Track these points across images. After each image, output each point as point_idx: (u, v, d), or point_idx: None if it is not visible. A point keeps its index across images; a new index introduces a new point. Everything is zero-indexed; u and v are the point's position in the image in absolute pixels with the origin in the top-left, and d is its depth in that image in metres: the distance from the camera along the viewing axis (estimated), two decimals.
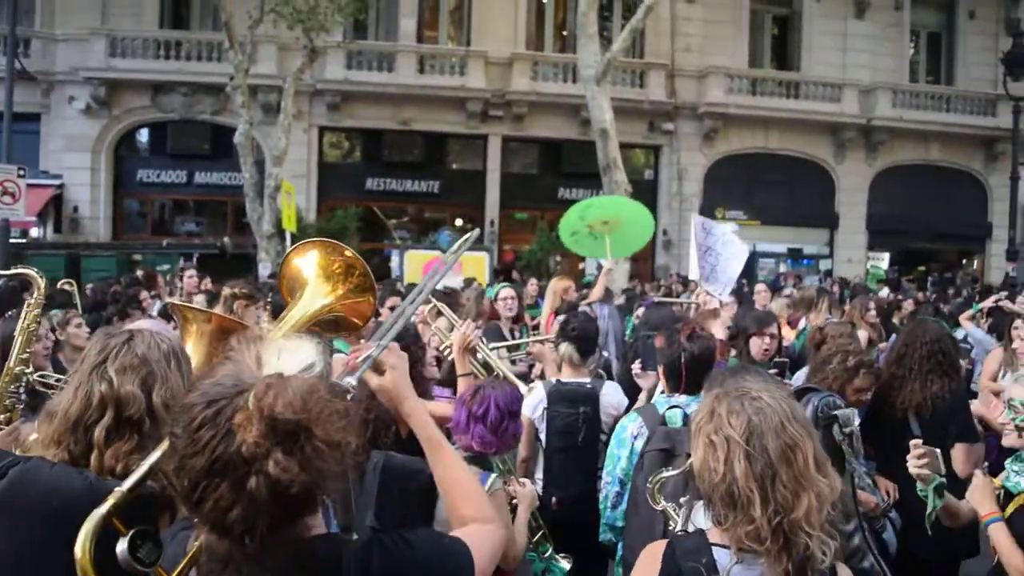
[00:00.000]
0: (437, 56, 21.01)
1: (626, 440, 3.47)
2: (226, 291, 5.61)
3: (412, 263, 15.02)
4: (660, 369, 3.62)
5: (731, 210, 21.24)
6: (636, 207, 8.60)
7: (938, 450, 2.87)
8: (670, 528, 2.60)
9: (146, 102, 20.23)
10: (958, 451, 3.93)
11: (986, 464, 3.69)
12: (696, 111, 21.98)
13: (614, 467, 3.50)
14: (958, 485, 3.42)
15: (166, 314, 6.09)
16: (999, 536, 2.74)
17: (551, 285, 7.57)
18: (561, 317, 6.18)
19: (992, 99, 22.81)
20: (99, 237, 19.58)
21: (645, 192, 20.15)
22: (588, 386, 4.20)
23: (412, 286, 9.99)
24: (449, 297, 6.10)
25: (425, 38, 21.85)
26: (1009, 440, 3.02)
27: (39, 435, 1.97)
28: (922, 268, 24.05)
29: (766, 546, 1.67)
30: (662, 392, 3.64)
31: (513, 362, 5.39)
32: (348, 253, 1.99)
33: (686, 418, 3.21)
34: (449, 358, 4.09)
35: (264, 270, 15.25)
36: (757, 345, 4.80)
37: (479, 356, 3.87)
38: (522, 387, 3.37)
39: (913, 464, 2.84)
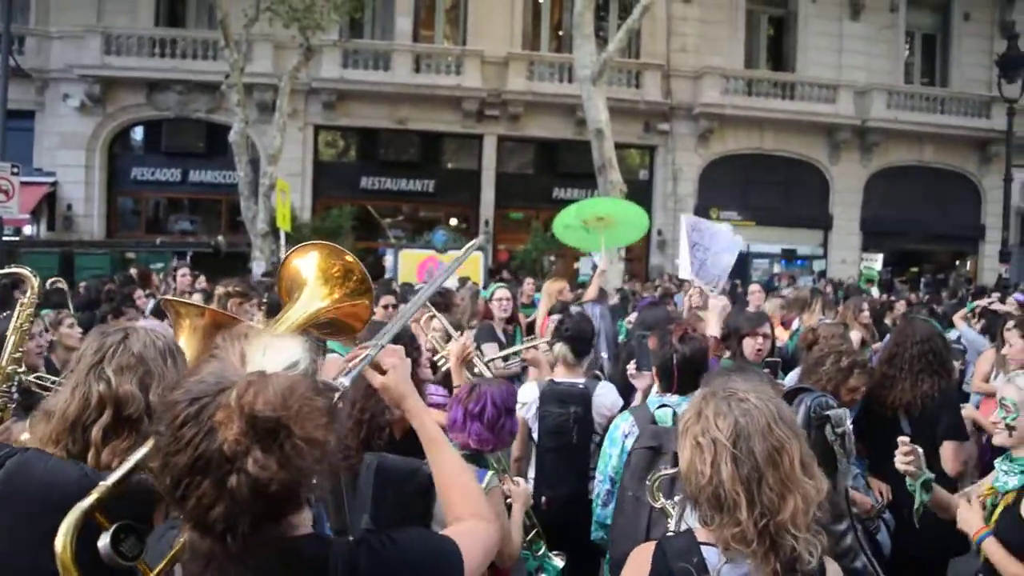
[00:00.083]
0: (433, 55, 20.99)
1: (617, 439, 3.49)
2: (219, 290, 5.61)
3: (407, 262, 14.99)
4: (654, 369, 3.64)
5: (726, 210, 21.27)
6: (632, 207, 8.64)
7: (920, 449, 2.91)
8: (668, 524, 2.61)
9: (141, 100, 20.18)
10: (946, 449, 3.95)
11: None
12: (691, 111, 22.00)
13: (606, 466, 3.52)
14: (947, 483, 3.44)
15: (159, 312, 6.08)
16: (992, 549, 2.78)
17: (546, 287, 7.57)
18: (555, 316, 6.21)
19: (986, 101, 22.91)
20: (93, 235, 19.54)
21: (640, 192, 20.17)
22: (581, 386, 4.20)
23: (407, 285, 10.04)
24: (444, 297, 6.08)
25: (421, 37, 21.85)
26: (999, 439, 3.05)
27: (33, 434, 1.97)
28: (915, 269, 24.15)
29: (752, 548, 1.68)
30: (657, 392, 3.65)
31: (505, 358, 5.39)
32: (348, 258, 2.00)
33: (676, 417, 3.22)
34: (444, 368, 4.10)
35: (258, 268, 15.22)
36: (750, 345, 4.81)
37: (475, 370, 3.89)
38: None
39: (900, 460, 2.88)
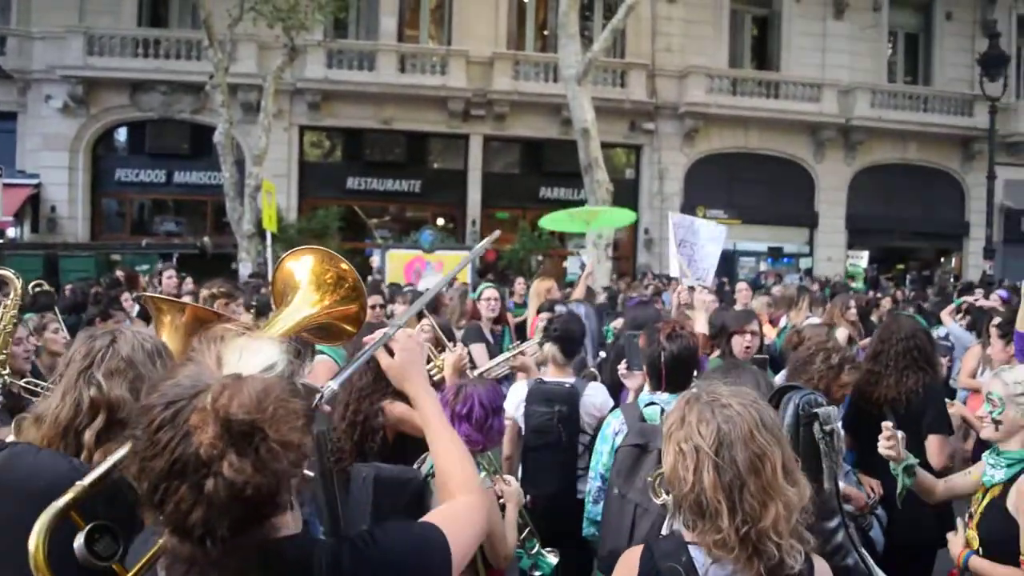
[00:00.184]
0: (418, 55, 20.94)
1: (608, 436, 3.50)
2: (204, 292, 5.56)
3: (394, 262, 14.95)
4: (644, 368, 3.64)
5: (712, 209, 21.33)
6: (619, 211, 8.71)
7: (901, 433, 3.01)
8: (665, 521, 2.61)
9: (124, 101, 20.02)
10: (931, 443, 3.97)
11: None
12: (677, 111, 22.07)
13: (597, 463, 3.53)
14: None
15: (146, 314, 6.03)
16: (979, 565, 2.85)
17: (534, 287, 7.57)
18: (543, 315, 6.21)
19: (969, 99, 23.08)
20: (77, 237, 19.36)
21: (626, 191, 20.23)
22: (568, 385, 4.20)
23: (395, 286, 10.01)
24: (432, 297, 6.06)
25: (406, 37, 21.79)
26: (986, 433, 3.08)
27: (22, 439, 1.97)
28: (900, 266, 24.35)
29: (735, 554, 1.70)
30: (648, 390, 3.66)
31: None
32: (344, 265, 2.00)
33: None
34: (437, 379, 4.08)
35: (244, 270, 15.13)
36: (739, 343, 4.82)
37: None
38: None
39: (883, 445, 2.96)
